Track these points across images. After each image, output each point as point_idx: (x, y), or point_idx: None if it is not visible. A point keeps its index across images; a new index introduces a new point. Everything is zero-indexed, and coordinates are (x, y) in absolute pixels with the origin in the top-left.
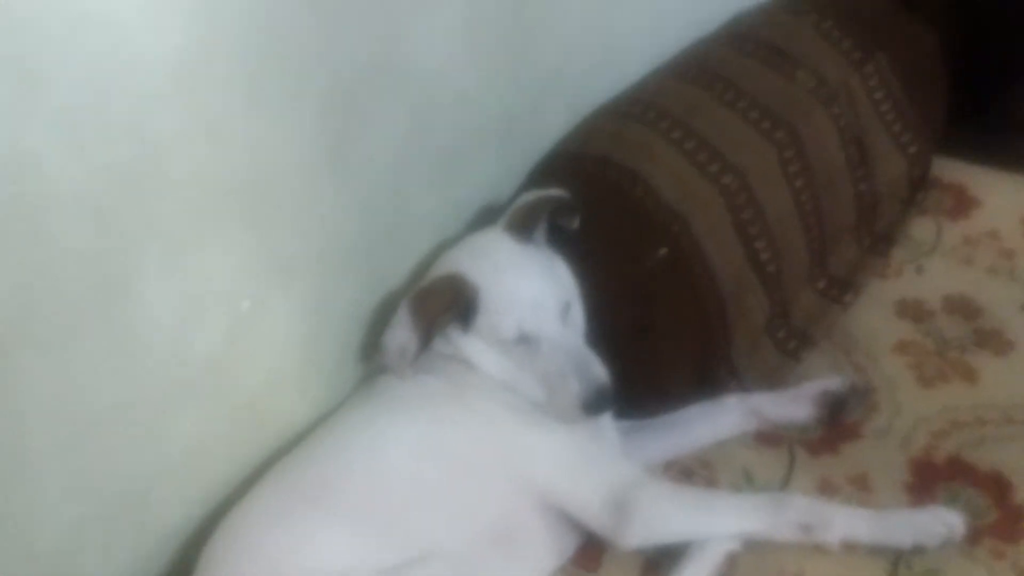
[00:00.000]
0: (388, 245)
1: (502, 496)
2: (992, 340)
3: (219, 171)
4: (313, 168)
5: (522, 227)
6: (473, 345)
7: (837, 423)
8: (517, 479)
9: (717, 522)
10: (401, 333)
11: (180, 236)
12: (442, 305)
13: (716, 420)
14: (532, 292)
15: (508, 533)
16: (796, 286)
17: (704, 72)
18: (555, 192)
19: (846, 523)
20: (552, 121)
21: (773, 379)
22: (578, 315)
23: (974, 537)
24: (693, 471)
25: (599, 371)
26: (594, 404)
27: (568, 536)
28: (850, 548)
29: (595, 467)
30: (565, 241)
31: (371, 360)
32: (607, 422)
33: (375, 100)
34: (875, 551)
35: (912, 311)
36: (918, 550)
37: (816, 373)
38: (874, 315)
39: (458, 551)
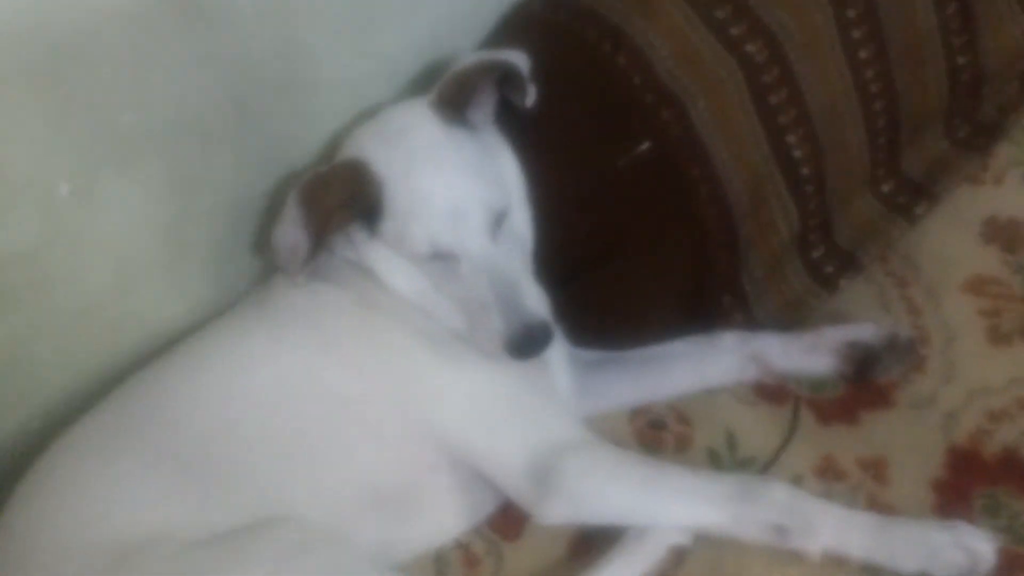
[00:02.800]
0: (282, 111)
1: (393, 447)
2: None
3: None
4: (149, 13)
5: (454, 102)
6: (379, 253)
7: (865, 382)
8: (418, 426)
9: (665, 508)
10: (290, 230)
11: None
12: (337, 201)
13: (706, 362)
14: (451, 196)
15: (399, 492)
16: (848, 191)
17: None
18: (503, 56)
19: (834, 531)
20: None
21: (796, 313)
22: (520, 225)
23: (1010, 569)
24: (665, 424)
25: (531, 305)
26: (521, 345)
27: (482, 496)
28: (836, 562)
29: (520, 419)
30: (519, 123)
31: (264, 255)
32: (557, 356)
33: None
34: (869, 570)
35: (1005, 234)
36: None
37: (856, 310)
38: (951, 236)
39: (322, 516)
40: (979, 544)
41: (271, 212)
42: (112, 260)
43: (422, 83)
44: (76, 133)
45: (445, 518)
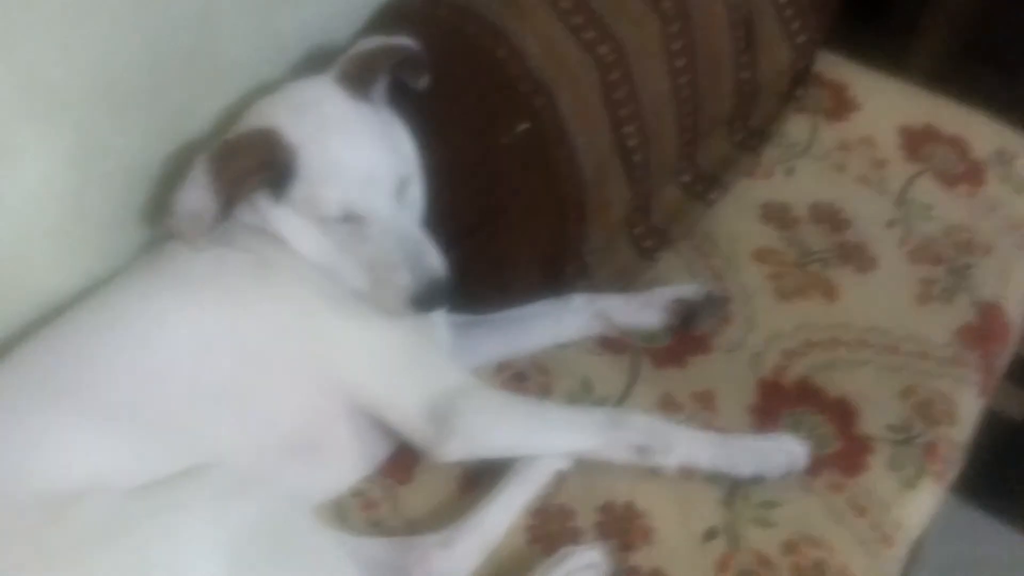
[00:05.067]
0: (188, 82)
1: (304, 397)
2: (856, 255)
3: None
4: None
5: (358, 80)
6: (286, 218)
7: (688, 333)
8: (324, 378)
9: (548, 438)
10: (196, 196)
11: None
12: (249, 167)
13: (560, 320)
14: (364, 162)
15: (309, 439)
16: (661, 179)
17: None
18: (403, 41)
19: (686, 447)
20: None
21: (625, 279)
22: (417, 193)
23: (814, 468)
24: (528, 375)
25: (435, 262)
26: (426, 299)
27: (378, 443)
28: (687, 474)
29: (417, 369)
30: (408, 103)
31: (159, 223)
32: (439, 317)
33: None
34: (712, 478)
35: (777, 216)
36: (757, 479)
37: (671, 276)
38: (738, 217)
39: (245, 460)
40: (796, 447)
41: (168, 180)
42: (14, 223)
43: (306, 66)
44: (4, 85)
45: (349, 463)
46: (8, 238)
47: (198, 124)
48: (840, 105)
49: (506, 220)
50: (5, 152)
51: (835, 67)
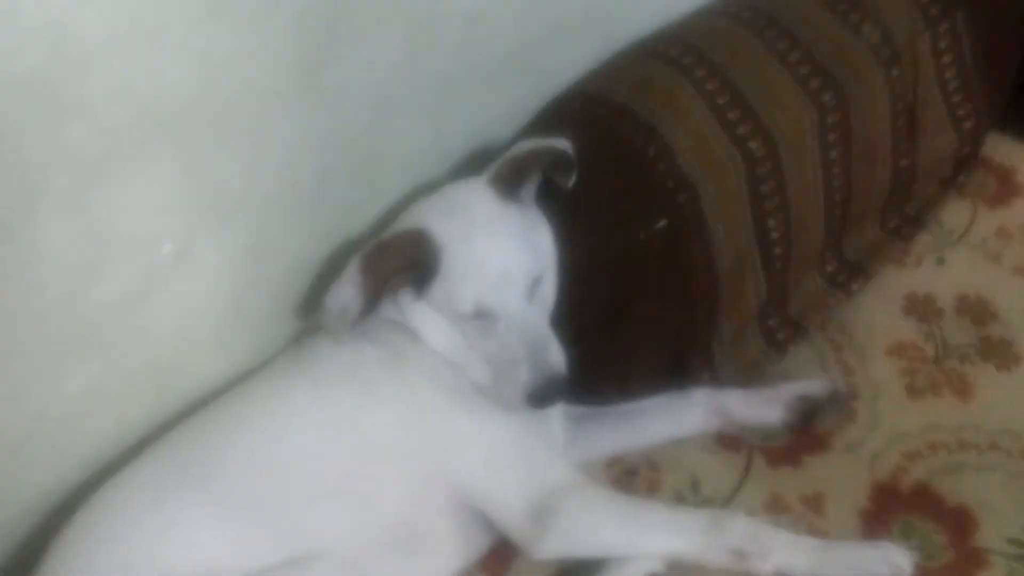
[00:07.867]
0: (356, 184)
1: (411, 488)
2: (998, 351)
3: (151, 90)
4: (278, 91)
5: (510, 182)
6: (423, 313)
7: (808, 431)
8: (433, 469)
9: (646, 539)
10: (346, 291)
11: (91, 165)
12: (398, 265)
13: (678, 416)
14: (501, 262)
15: (410, 532)
16: (802, 270)
17: (759, 13)
18: (554, 144)
19: (784, 553)
20: (573, 56)
21: (751, 373)
22: (549, 289)
23: None
24: (638, 470)
25: (555, 359)
26: (542, 396)
27: (477, 537)
28: None
29: (525, 465)
30: (554, 197)
31: (308, 317)
32: (555, 409)
33: (366, 15)
34: None
35: (920, 308)
36: None
37: (799, 369)
38: (878, 308)
39: (350, 553)
40: (900, 559)
41: (326, 278)
42: (183, 319)
43: (467, 165)
44: (188, 195)
45: (447, 557)
46: (177, 332)
47: (361, 223)
48: (1005, 190)
49: (633, 314)
50: (184, 255)
51: (1004, 149)
